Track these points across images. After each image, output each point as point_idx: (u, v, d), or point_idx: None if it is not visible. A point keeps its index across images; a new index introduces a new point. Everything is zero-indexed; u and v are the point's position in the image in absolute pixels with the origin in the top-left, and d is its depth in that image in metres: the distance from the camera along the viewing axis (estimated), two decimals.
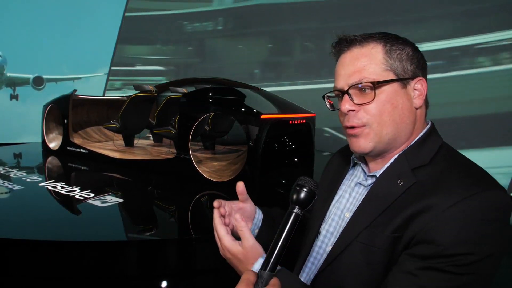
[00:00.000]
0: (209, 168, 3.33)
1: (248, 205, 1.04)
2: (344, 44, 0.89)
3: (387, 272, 0.79)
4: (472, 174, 0.79)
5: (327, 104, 0.95)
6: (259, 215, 1.07)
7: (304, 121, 3.34)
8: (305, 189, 0.81)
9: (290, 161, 3.26)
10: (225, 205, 0.98)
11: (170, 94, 4.37)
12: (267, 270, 0.76)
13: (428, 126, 0.91)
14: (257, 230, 1.06)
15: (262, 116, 2.88)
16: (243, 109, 3.03)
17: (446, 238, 0.72)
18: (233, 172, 3.14)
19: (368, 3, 5.30)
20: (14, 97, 7.39)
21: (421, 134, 0.89)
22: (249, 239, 0.85)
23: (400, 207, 0.79)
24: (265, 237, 0.99)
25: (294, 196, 0.81)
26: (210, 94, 3.32)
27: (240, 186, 1.01)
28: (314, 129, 3.41)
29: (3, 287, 1.88)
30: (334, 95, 0.92)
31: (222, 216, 0.95)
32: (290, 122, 3.21)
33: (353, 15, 5.39)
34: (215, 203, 0.96)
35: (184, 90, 4.19)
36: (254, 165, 2.86)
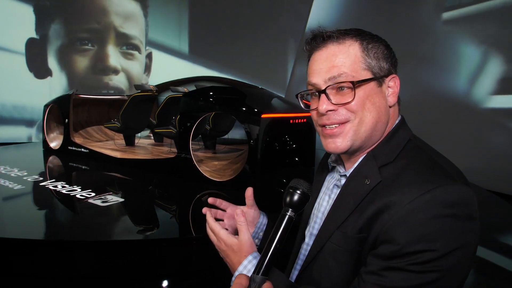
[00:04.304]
0: (210, 168, 3.33)
1: (251, 210, 1.07)
2: (319, 40, 0.85)
3: (356, 272, 0.79)
4: (430, 170, 0.78)
5: (301, 104, 0.92)
6: (263, 219, 1.09)
7: (305, 120, 3.34)
8: (298, 192, 0.80)
9: (291, 160, 3.26)
10: (221, 204, 1.07)
11: (171, 93, 4.37)
12: (260, 274, 0.75)
13: (397, 121, 0.89)
14: (261, 234, 1.09)
15: (263, 116, 2.88)
16: (244, 109, 3.03)
17: (402, 236, 0.71)
18: (234, 172, 3.14)
19: None
20: None
21: (390, 130, 0.87)
22: (245, 234, 0.87)
23: (366, 206, 0.79)
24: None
25: (288, 199, 0.80)
26: (211, 93, 3.32)
27: (249, 190, 1.04)
28: (315, 128, 3.41)
29: (4, 286, 1.88)
30: (308, 93, 0.89)
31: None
32: (291, 121, 3.20)
33: None
34: (210, 200, 1.05)
35: (185, 89, 4.20)
36: (254, 164, 2.86)
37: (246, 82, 4.73)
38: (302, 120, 3.29)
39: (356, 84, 0.81)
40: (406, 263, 0.70)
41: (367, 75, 0.83)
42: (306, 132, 3.41)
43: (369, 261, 0.76)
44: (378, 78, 0.84)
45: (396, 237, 0.72)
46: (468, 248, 0.73)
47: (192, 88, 4.24)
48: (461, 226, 0.72)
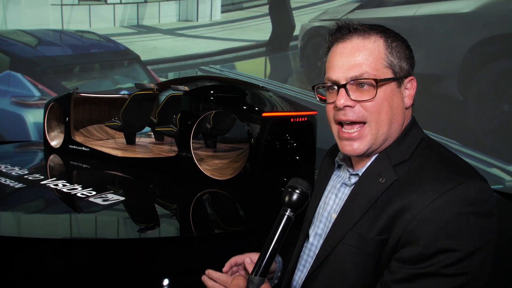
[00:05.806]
0: (210, 166, 3.33)
1: None
2: (345, 31, 0.83)
3: (375, 274, 0.78)
4: (447, 168, 0.77)
5: (317, 97, 0.90)
6: (279, 267, 1.06)
7: (305, 119, 3.33)
8: (297, 191, 0.79)
9: (291, 159, 3.26)
10: (236, 262, 0.98)
11: (172, 92, 4.37)
12: (257, 275, 0.74)
13: (409, 120, 0.88)
14: (276, 281, 1.06)
15: (264, 114, 2.88)
16: (245, 107, 3.03)
17: (428, 235, 0.70)
18: (234, 170, 3.13)
19: None
20: None
21: (403, 130, 0.86)
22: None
23: (383, 206, 0.78)
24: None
25: (286, 198, 0.79)
26: (212, 92, 3.31)
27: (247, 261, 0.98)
28: (315, 126, 3.41)
29: (5, 285, 1.88)
30: (324, 86, 0.87)
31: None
32: (292, 120, 3.20)
33: None
34: (225, 269, 0.95)
35: (186, 88, 4.19)
36: (255, 163, 2.86)
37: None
38: (303, 119, 3.29)
39: (379, 82, 0.80)
40: (435, 266, 0.69)
41: (388, 73, 0.81)
42: (307, 131, 3.40)
43: (395, 268, 0.74)
44: (398, 79, 0.82)
45: (421, 236, 0.71)
46: (490, 246, 0.72)
47: (193, 86, 4.24)
48: (483, 223, 0.71)
